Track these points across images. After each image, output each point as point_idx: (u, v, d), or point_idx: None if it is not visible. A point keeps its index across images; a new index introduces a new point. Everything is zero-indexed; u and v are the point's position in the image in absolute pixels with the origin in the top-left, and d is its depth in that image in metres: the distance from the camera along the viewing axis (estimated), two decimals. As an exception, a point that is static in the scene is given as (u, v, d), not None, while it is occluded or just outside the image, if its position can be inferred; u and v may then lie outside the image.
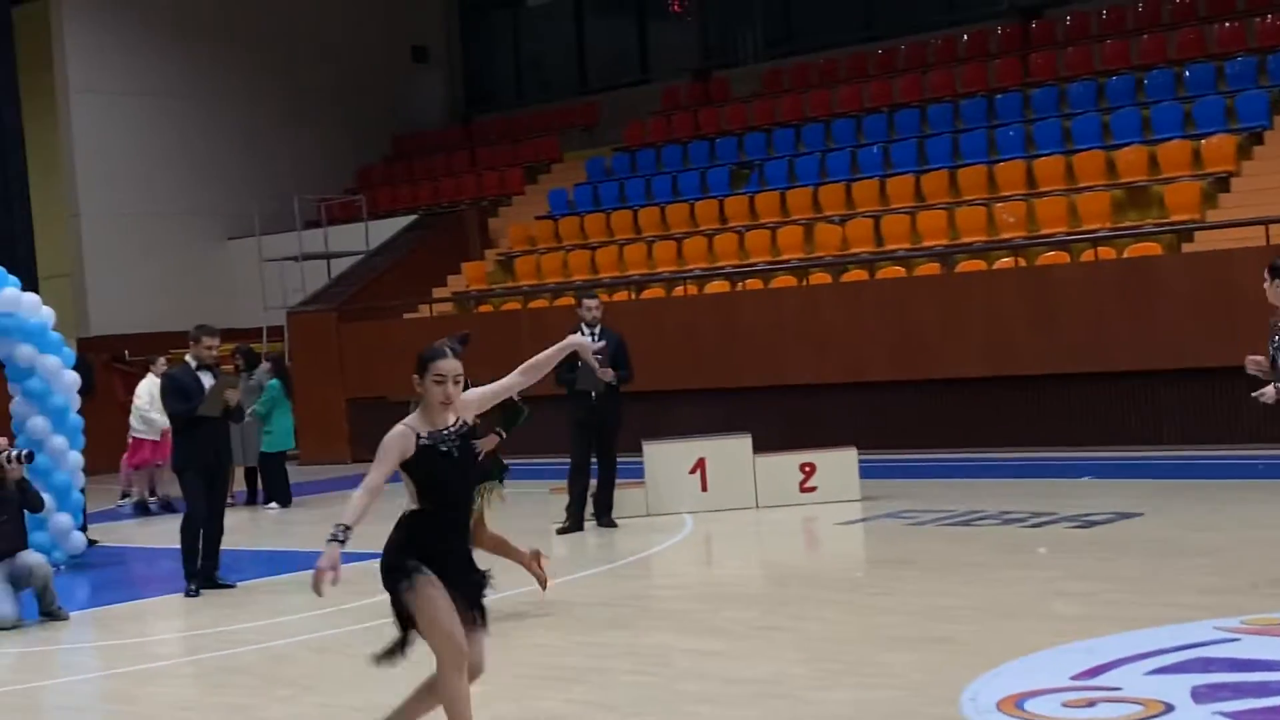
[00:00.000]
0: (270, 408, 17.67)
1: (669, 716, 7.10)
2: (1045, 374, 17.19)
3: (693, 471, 14.56)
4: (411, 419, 5.91)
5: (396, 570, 5.86)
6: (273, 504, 17.83)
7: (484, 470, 9.76)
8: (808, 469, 14.49)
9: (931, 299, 18.13)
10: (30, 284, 17.60)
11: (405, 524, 5.94)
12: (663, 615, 9.91)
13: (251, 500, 18.41)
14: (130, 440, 18.34)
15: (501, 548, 9.99)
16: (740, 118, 25.56)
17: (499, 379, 6.21)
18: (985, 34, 24.71)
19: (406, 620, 5.90)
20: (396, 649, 5.97)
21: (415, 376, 5.90)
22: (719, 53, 28.84)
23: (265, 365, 18.52)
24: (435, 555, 5.87)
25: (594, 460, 13.83)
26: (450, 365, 5.86)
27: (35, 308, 13.96)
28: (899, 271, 19.17)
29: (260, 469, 18.17)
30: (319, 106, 29.57)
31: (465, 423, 5.95)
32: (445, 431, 5.87)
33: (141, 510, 18.38)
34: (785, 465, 14.52)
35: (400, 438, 5.82)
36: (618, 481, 14.04)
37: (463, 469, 5.93)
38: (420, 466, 5.82)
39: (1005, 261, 18.38)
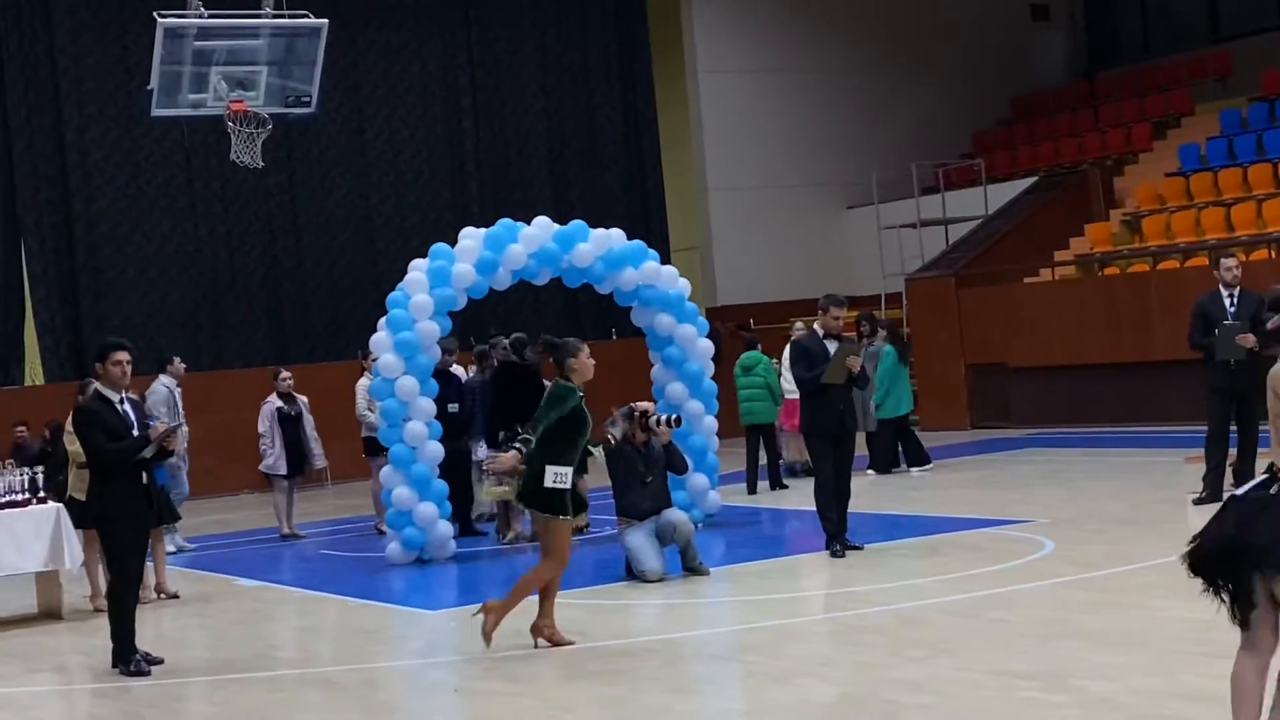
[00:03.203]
0: (884, 375, 17.69)
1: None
2: None
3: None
4: None
5: None
6: (906, 467, 17.75)
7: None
8: None
9: None
10: (664, 257, 18.57)
11: None
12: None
13: (885, 466, 18.25)
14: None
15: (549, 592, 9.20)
16: (1395, 58, 23.50)
17: None
18: None
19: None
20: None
21: None
22: (1369, -11, 26.58)
23: (881, 332, 18.61)
24: None
25: (1233, 429, 13.10)
26: None
27: (673, 279, 14.66)
28: None
29: (874, 435, 18.08)
30: (936, 73, 29.47)
31: None
32: None
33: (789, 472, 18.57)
34: None
35: None
36: (1259, 451, 13.24)
37: None
38: None
39: None
